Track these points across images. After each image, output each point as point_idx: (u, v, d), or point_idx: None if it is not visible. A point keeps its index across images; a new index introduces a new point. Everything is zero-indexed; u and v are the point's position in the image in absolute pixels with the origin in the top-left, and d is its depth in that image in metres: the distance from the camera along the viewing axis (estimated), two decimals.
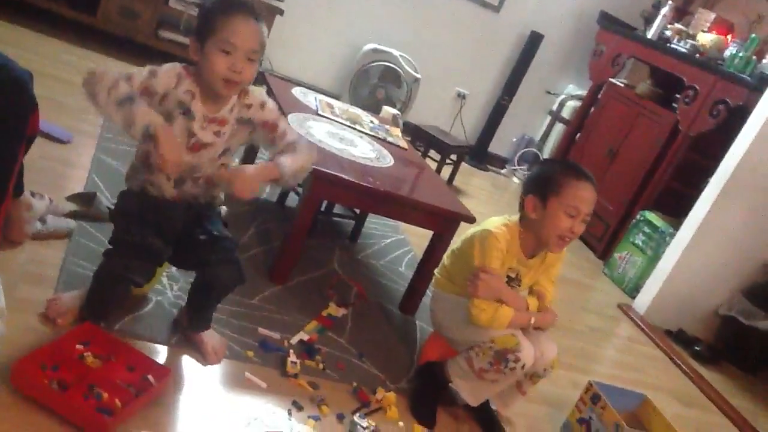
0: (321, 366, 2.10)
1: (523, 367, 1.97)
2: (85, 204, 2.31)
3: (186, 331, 1.96)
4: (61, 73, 3.49)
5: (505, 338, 1.97)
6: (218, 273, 1.82)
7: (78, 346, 1.70)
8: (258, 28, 1.70)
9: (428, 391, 2.16)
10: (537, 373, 2.12)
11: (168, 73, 1.70)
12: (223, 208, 1.96)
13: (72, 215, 2.24)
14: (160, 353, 1.87)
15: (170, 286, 2.15)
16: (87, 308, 1.82)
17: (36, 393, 1.52)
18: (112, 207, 1.90)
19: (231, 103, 1.78)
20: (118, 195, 1.84)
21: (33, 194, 2.08)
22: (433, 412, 2.11)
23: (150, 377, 1.69)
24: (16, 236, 2.00)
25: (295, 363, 2.02)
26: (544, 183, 2.01)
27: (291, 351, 2.08)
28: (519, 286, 2.13)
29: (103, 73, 1.63)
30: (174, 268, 2.18)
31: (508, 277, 2.09)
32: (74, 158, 2.70)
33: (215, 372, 1.89)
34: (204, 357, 1.91)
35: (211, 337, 1.94)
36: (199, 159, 1.78)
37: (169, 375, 1.73)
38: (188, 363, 1.88)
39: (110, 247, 1.77)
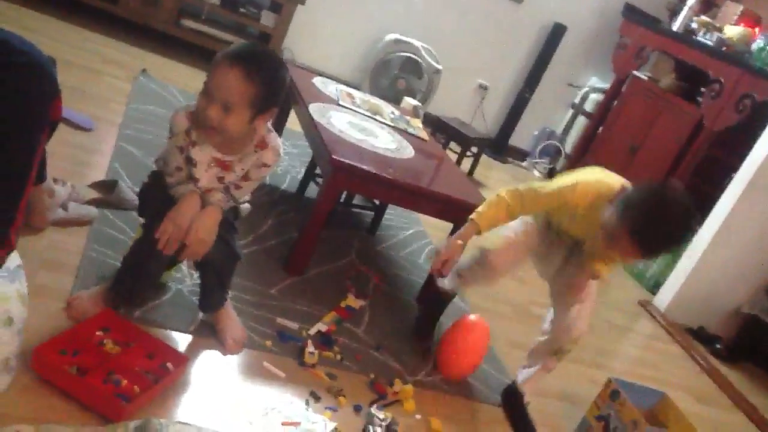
0: (339, 357, 2.10)
1: (487, 264, 2.12)
2: (106, 191, 2.32)
3: (200, 311, 1.97)
4: (84, 60, 3.51)
5: (494, 236, 2.13)
6: (209, 253, 1.80)
7: (98, 333, 1.72)
8: (242, 79, 1.63)
9: (428, 315, 2.45)
10: (561, 348, 2.15)
11: (182, 137, 1.75)
12: (246, 206, 1.96)
13: (94, 202, 2.25)
14: (179, 341, 1.88)
15: (190, 275, 2.15)
16: (116, 291, 1.82)
17: (56, 378, 1.54)
18: (143, 186, 1.93)
19: (245, 152, 1.78)
20: (150, 175, 1.89)
21: (55, 181, 2.09)
22: (430, 330, 2.43)
23: (168, 364, 1.70)
24: (38, 222, 2.02)
25: (313, 353, 2.02)
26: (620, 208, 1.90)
27: (309, 341, 2.08)
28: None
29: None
30: None
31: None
32: (96, 146, 2.71)
33: (233, 361, 1.90)
34: (224, 346, 1.92)
35: (232, 327, 1.95)
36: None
37: (188, 363, 1.73)
38: (207, 351, 1.89)
39: (144, 222, 1.84)
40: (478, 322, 2.29)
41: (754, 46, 4.13)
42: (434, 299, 2.45)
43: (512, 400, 2.25)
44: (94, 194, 2.27)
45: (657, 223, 1.78)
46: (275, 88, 1.70)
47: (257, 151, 1.79)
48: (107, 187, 2.34)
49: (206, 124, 1.67)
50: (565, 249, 2.15)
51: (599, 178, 2.01)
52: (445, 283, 2.29)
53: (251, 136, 1.77)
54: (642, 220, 1.78)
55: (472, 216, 2.07)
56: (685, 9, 4.68)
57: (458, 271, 2.21)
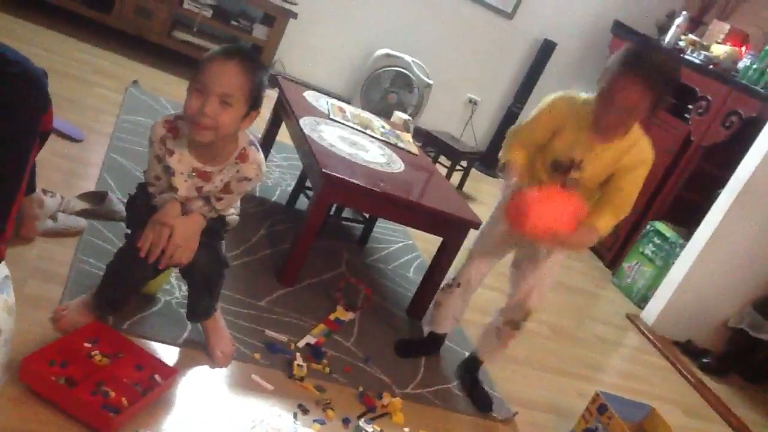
0: (327, 369, 2.10)
1: (458, 285, 2.24)
2: (96, 203, 2.32)
3: (188, 320, 1.96)
4: (76, 71, 3.51)
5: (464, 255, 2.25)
6: (194, 259, 1.80)
7: (86, 344, 1.71)
8: (239, 71, 1.64)
9: (416, 343, 2.45)
10: (513, 319, 2.21)
11: (159, 146, 1.76)
12: (234, 218, 1.95)
13: (83, 213, 2.25)
14: (168, 353, 1.88)
15: (179, 287, 2.15)
16: (101, 300, 1.82)
17: (43, 389, 1.53)
18: (129, 197, 1.93)
19: (227, 163, 1.78)
20: (138, 187, 1.90)
21: (45, 192, 2.09)
22: (412, 350, 2.39)
23: (157, 377, 1.70)
24: (27, 233, 2.01)
25: (302, 366, 2.02)
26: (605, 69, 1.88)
27: (298, 354, 2.08)
28: (578, 172, 1.98)
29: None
30: None
31: (559, 164, 1.99)
32: (86, 157, 2.71)
33: (222, 373, 1.90)
34: (212, 359, 1.91)
35: (220, 339, 1.95)
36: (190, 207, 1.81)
37: (176, 375, 1.73)
38: (195, 363, 1.88)
39: (129, 232, 1.84)
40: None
41: (741, 65, 4.19)
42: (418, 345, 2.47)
43: (468, 373, 2.35)
44: (83, 205, 2.27)
45: (648, 53, 1.84)
46: (262, 88, 1.73)
47: (237, 163, 1.78)
48: (97, 198, 2.34)
49: (201, 124, 1.65)
50: None
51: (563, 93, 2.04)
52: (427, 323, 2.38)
53: (234, 145, 1.77)
54: (633, 53, 1.81)
55: (507, 158, 2.05)
56: (674, 27, 4.73)
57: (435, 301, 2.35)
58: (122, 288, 1.83)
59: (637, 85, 1.79)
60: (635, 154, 1.96)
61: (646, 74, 1.79)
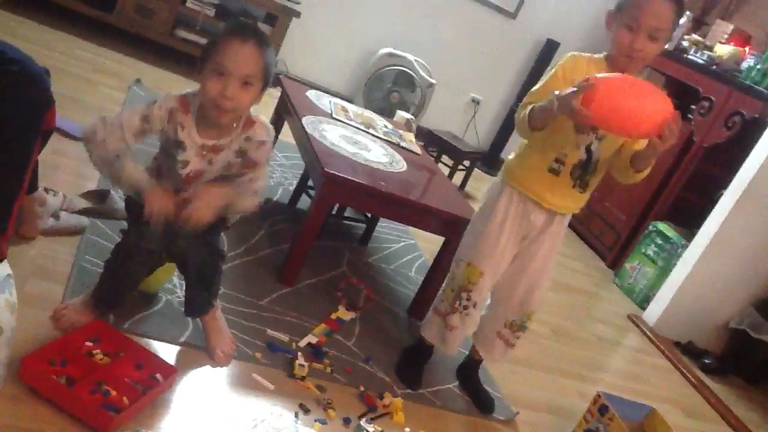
0: (328, 369, 2.10)
1: (475, 305, 2.09)
2: (98, 201, 2.32)
3: (186, 316, 1.95)
4: (78, 69, 3.51)
5: (470, 270, 2.08)
6: (187, 250, 1.82)
7: (87, 343, 1.71)
8: (257, 52, 1.65)
9: (413, 355, 2.29)
10: (514, 321, 2.16)
11: (159, 112, 1.71)
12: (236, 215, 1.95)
13: (85, 212, 2.25)
14: (169, 352, 1.88)
15: (180, 286, 2.15)
16: (98, 297, 1.82)
17: (44, 388, 1.53)
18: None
19: (234, 134, 1.77)
20: None
21: (47, 190, 2.10)
22: (418, 374, 2.24)
23: (158, 376, 1.70)
24: (28, 231, 2.02)
25: (303, 365, 2.02)
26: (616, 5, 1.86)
27: (299, 353, 2.08)
28: (596, 137, 1.92)
29: (97, 126, 1.68)
30: None
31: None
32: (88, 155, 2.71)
33: (223, 372, 1.90)
34: (212, 358, 1.91)
35: (220, 338, 1.95)
36: (195, 188, 1.77)
37: (177, 374, 1.73)
38: (196, 362, 1.88)
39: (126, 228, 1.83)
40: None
41: (744, 65, 4.18)
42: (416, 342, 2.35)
43: (468, 374, 2.31)
44: (85, 204, 2.28)
45: None
46: (273, 65, 1.74)
47: (245, 131, 1.78)
48: (99, 196, 2.34)
49: (224, 106, 1.66)
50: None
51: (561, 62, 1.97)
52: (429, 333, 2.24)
53: (237, 118, 1.77)
54: None
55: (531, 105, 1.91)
56: (677, 27, 4.72)
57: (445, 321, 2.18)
58: (119, 285, 1.83)
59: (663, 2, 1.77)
60: None
61: None
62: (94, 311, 1.82)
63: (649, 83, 1.77)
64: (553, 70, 1.96)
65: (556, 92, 1.77)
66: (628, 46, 1.83)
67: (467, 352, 2.40)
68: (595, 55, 1.96)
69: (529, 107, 1.90)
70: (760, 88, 3.92)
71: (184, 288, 2.09)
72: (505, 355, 2.24)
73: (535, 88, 1.99)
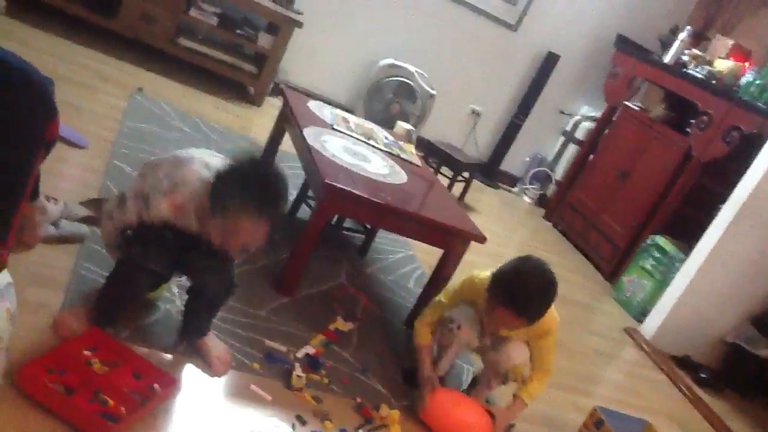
0: (326, 380, 2.10)
1: (459, 327, 2.17)
2: (98, 210, 2.32)
3: (181, 337, 1.97)
4: (80, 77, 3.53)
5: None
6: (207, 281, 1.88)
7: (85, 352, 1.72)
8: (266, 233, 1.75)
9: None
10: (499, 372, 2.21)
11: (156, 216, 1.78)
12: None
13: (85, 220, 2.26)
14: (167, 362, 1.88)
15: (179, 295, 2.16)
16: (98, 311, 1.83)
17: (42, 396, 1.54)
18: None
19: None
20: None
21: (48, 198, 2.10)
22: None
23: (156, 386, 1.70)
24: (28, 239, 2.01)
25: (301, 376, 2.02)
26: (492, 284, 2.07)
27: (297, 364, 2.08)
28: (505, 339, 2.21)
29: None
30: (184, 277, 2.20)
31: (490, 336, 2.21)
32: (90, 163, 2.72)
33: (220, 383, 1.90)
34: (210, 367, 1.92)
35: (216, 348, 1.95)
36: None
37: (175, 384, 1.74)
38: (194, 373, 1.89)
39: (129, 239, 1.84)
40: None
41: (743, 80, 4.20)
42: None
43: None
44: (86, 212, 2.28)
45: (521, 289, 1.96)
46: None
47: None
48: (100, 205, 2.34)
49: (227, 249, 1.79)
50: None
51: (467, 277, 2.23)
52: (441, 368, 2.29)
53: None
54: (507, 293, 1.97)
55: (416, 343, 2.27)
56: (677, 42, 4.76)
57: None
58: (122, 301, 1.85)
59: (513, 315, 1.98)
60: (541, 328, 2.13)
61: (522, 305, 1.97)
62: (91, 320, 1.83)
63: (473, 402, 2.18)
64: (457, 286, 2.25)
65: (425, 375, 2.17)
66: (489, 329, 2.18)
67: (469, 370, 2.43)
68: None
69: (424, 343, 2.23)
70: (759, 104, 3.95)
71: (185, 298, 2.10)
72: (481, 396, 2.34)
73: (441, 299, 2.28)
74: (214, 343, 1.97)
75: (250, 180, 1.71)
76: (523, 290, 1.96)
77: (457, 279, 2.34)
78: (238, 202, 1.68)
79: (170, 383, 1.72)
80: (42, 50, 3.59)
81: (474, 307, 2.20)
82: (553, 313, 2.14)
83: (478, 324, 2.20)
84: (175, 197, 1.76)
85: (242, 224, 1.70)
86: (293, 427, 1.86)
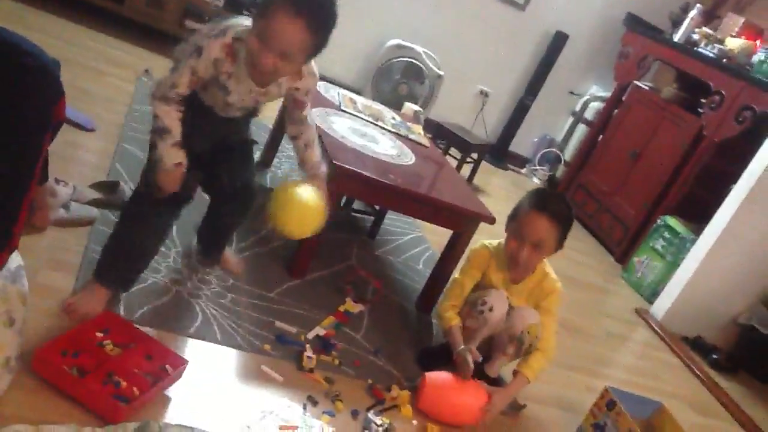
0: (337, 362, 2.11)
1: (491, 309, 2.16)
2: (108, 192, 2.33)
3: (202, 260, 2.19)
4: (88, 60, 3.52)
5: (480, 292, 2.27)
6: (227, 212, 2.12)
7: (98, 334, 1.72)
8: (305, 31, 1.64)
9: (437, 351, 2.36)
10: (515, 335, 2.20)
11: (208, 60, 1.74)
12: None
13: (95, 203, 2.26)
14: (178, 343, 1.89)
15: (191, 277, 2.16)
16: (105, 276, 1.83)
17: (56, 379, 1.54)
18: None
19: (282, 81, 1.86)
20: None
21: (57, 181, 2.10)
22: (432, 361, 2.27)
23: (167, 367, 1.70)
24: (39, 222, 2.03)
25: (311, 358, 2.02)
26: (514, 211, 2.24)
27: (308, 345, 2.08)
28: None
29: (157, 88, 1.79)
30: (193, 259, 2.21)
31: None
32: (98, 146, 2.72)
33: (232, 364, 1.91)
34: (228, 267, 2.16)
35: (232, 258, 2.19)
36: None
37: (186, 365, 1.74)
38: (205, 354, 1.89)
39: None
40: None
41: (755, 59, 4.15)
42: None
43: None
44: (95, 195, 2.28)
45: (552, 196, 2.20)
46: (329, 33, 1.75)
47: (293, 81, 1.88)
48: (109, 187, 2.35)
49: (261, 69, 1.71)
50: None
51: (472, 249, 2.34)
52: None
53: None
54: (535, 198, 2.16)
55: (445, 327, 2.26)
56: (687, 20, 4.70)
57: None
58: (128, 257, 1.87)
59: (544, 220, 2.11)
60: (545, 287, 2.28)
61: (551, 212, 2.12)
62: (104, 296, 1.83)
63: (470, 382, 2.11)
64: (466, 263, 2.33)
65: (461, 351, 2.13)
66: (515, 254, 2.18)
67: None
68: (497, 242, 2.30)
69: (444, 321, 2.25)
70: None
71: (196, 282, 2.11)
72: (500, 362, 2.34)
73: (454, 279, 2.34)
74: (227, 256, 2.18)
75: None
76: (550, 198, 2.18)
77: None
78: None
79: (182, 365, 1.72)
80: (49, 34, 3.58)
81: (484, 278, 2.27)
82: (556, 279, 2.30)
83: (508, 304, 2.22)
84: (226, 41, 1.73)
85: (276, 22, 1.62)
86: (304, 407, 1.86)
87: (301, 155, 2.02)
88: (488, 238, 2.36)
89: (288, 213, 1.89)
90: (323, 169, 2.03)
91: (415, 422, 2.02)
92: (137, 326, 1.82)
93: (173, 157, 1.77)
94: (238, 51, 1.74)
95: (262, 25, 1.64)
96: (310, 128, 2.02)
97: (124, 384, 1.61)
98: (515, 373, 2.20)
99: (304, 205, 1.89)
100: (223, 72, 1.77)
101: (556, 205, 2.15)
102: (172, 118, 1.76)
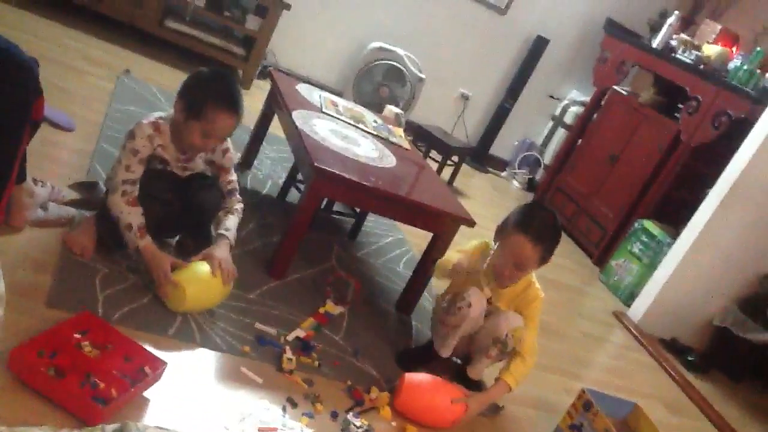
0: (316, 363, 2.11)
1: (469, 305, 2.19)
2: (86, 192, 2.31)
3: (194, 250, 2.20)
4: (67, 59, 3.49)
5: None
6: (202, 196, 2.21)
7: (76, 335, 1.71)
8: (238, 122, 2.09)
9: (416, 351, 2.40)
10: (499, 337, 2.22)
11: (143, 142, 2.05)
12: (237, 155, 2.34)
13: (73, 203, 2.24)
14: (157, 345, 1.87)
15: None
16: (101, 218, 2.09)
17: (33, 379, 1.53)
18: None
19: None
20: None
21: (35, 181, 2.09)
22: (412, 361, 2.32)
23: (146, 368, 1.69)
24: (16, 222, 2.00)
25: (291, 359, 2.02)
26: (503, 223, 2.22)
27: (287, 347, 2.08)
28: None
29: (108, 182, 2.11)
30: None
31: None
32: (77, 146, 2.70)
33: (211, 366, 1.90)
34: (222, 275, 2.08)
35: (221, 254, 2.15)
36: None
37: (165, 367, 1.73)
38: (185, 355, 1.89)
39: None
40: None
41: (731, 65, 4.22)
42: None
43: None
44: (74, 195, 2.27)
45: (533, 213, 2.17)
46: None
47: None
48: (87, 188, 2.33)
49: (202, 151, 2.16)
50: None
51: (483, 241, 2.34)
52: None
53: None
54: (521, 216, 2.16)
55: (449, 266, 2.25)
56: (666, 26, 4.76)
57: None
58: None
59: (527, 244, 2.10)
60: (528, 294, 2.31)
61: (534, 234, 2.10)
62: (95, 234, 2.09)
63: (448, 384, 2.16)
64: (468, 246, 2.33)
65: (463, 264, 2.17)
66: (498, 270, 2.19)
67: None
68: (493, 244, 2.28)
69: (444, 261, 2.26)
70: (747, 89, 3.96)
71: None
72: (484, 365, 2.37)
73: (466, 248, 2.33)
74: (219, 252, 2.14)
75: (216, 82, 2.09)
76: (536, 216, 2.16)
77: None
78: (212, 102, 2.01)
79: (160, 366, 1.72)
80: (28, 31, 3.54)
81: (473, 277, 2.26)
82: (539, 288, 2.32)
83: (486, 303, 2.25)
84: (152, 120, 2.08)
85: (218, 120, 2.04)
86: (284, 409, 1.86)
87: (219, 218, 2.23)
88: (468, 240, 2.38)
89: (183, 294, 1.99)
90: (231, 236, 2.18)
91: (394, 424, 2.03)
92: (116, 327, 1.81)
93: (141, 242, 2.02)
94: (162, 127, 2.09)
95: (206, 126, 2.04)
96: (238, 202, 2.28)
97: (102, 385, 1.59)
98: (497, 380, 2.22)
99: (199, 284, 2.04)
100: (157, 145, 2.08)
101: (541, 225, 2.14)
102: (129, 208, 2.01)
